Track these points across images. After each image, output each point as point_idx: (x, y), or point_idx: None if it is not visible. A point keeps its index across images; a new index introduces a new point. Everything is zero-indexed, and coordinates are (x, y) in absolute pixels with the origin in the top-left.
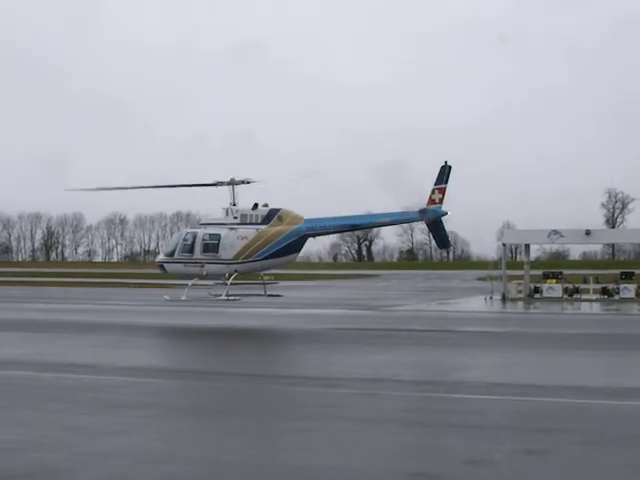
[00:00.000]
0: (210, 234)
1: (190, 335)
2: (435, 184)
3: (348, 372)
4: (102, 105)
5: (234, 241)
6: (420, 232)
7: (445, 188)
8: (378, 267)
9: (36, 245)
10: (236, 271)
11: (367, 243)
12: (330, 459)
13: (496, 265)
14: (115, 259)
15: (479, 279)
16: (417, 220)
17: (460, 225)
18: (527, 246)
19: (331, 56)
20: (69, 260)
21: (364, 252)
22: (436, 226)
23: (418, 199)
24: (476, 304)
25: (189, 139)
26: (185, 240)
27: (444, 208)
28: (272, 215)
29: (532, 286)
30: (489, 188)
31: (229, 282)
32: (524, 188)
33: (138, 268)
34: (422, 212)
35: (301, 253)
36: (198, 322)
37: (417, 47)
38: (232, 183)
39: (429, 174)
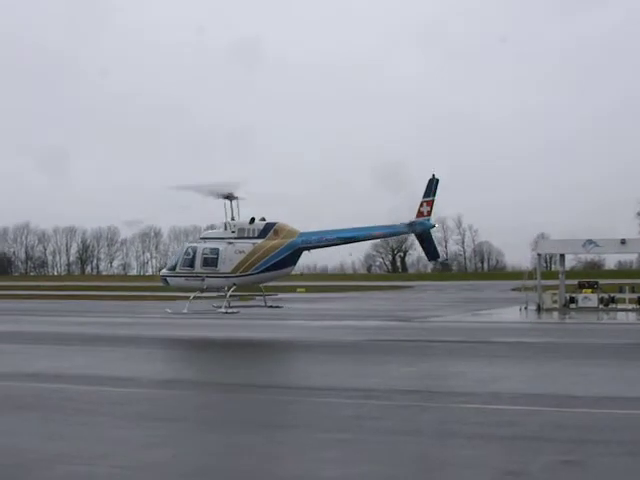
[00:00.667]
0: (210, 248)
1: (221, 348)
2: (423, 197)
3: (383, 383)
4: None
5: (232, 255)
6: (454, 243)
7: (433, 201)
8: (412, 278)
9: (71, 259)
10: (235, 284)
11: (401, 254)
12: (366, 470)
13: (531, 275)
14: (150, 272)
15: (514, 289)
16: (406, 233)
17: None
18: (562, 256)
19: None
20: (104, 273)
21: (398, 263)
22: (425, 238)
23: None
24: (511, 314)
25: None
26: (186, 254)
27: (432, 220)
28: (268, 229)
29: (567, 296)
30: (524, 199)
31: (228, 295)
32: (559, 198)
33: None
34: (410, 225)
35: (336, 264)
36: (226, 334)
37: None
38: (230, 197)
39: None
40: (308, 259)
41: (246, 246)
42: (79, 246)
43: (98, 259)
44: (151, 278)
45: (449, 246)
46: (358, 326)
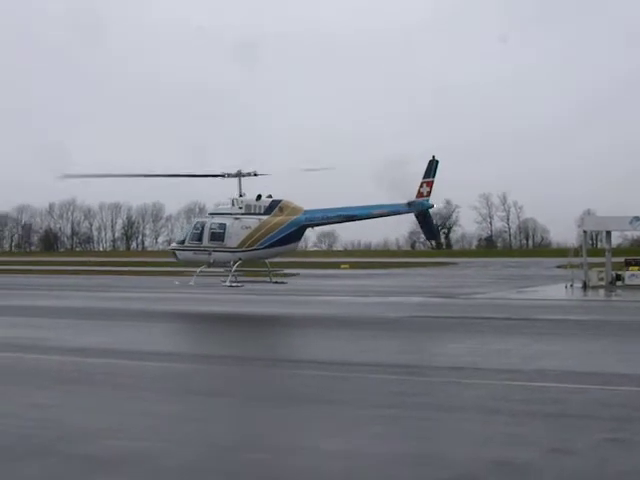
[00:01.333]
0: (217, 223)
1: (261, 324)
2: (423, 178)
3: (428, 360)
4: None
5: (238, 230)
6: (499, 220)
7: (432, 182)
8: (456, 255)
9: (116, 235)
10: (240, 259)
11: (445, 230)
12: (413, 447)
13: (576, 252)
14: None
15: (559, 267)
16: (406, 212)
17: (540, 212)
18: (608, 233)
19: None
20: (149, 249)
21: (442, 240)
22: (424, 218)
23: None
24: (556, 292)
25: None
26: (195, 229)
27: (431, 201)
28: (274, 206)
29: (614, 273)
30: (570, 175)
31: (233, 269)
32: (605, 175)
33: None
34: (410, 204)
35: (379, 240)
36: (266, 310)
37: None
38: (239, 175)
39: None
40: (352, 235)
41: (252, 222)
42: (124, 222)
43: (143, 235)
44: None
45: (494, 223)
46: (402, 302)
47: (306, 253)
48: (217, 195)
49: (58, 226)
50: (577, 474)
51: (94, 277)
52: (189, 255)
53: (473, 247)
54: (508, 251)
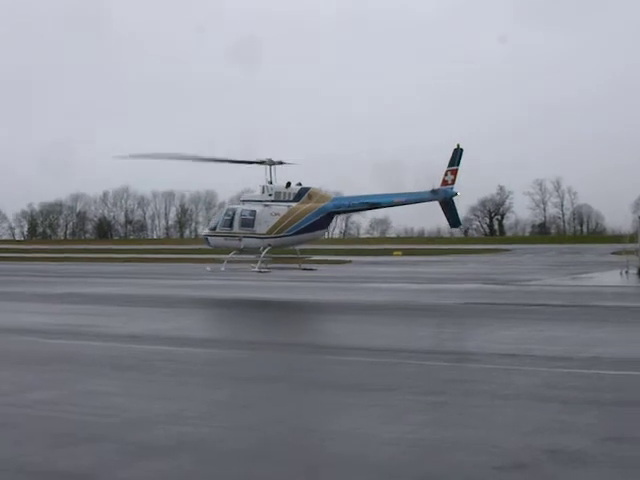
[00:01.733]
0: (248, 210)
1: (313, 310)
2: (448, 166)
3: (480, 347)
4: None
5: (268, 217)
6: (553, 206)
7: (457, 170)
8: (510, 241)
9: (170, 222)
10: (269, 245)
11: (499, 217)
12: (465, 434)
13: (632, 239)
14: None
15: (614, 253)
16: (430, 200)
17: (595, 198)
18: None
19: None
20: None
21: (496, 226)
22: (447, 206)
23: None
24: (611, 278)
25: None
26: (226, 215)
27: (455, 188)
28: (302, 193)
29: None
30: (625, 161)
31: (262, 255)
32: None
33: None
34: (434, 192)
35: (432, 227)
36: (323, 297)
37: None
38: (269, 163)
39: None
40: (405, 222)
41: (281, 209)
42: (177, 210)
43: (196, 222)
44: None
45: (547, 209)
46: (455, 289)
47: (358, 240)
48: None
49: (112, 214)
50: (634, 463)
51: (139, 264)
52: (220, 241)
53: (526, 234)
54: (562, 237)
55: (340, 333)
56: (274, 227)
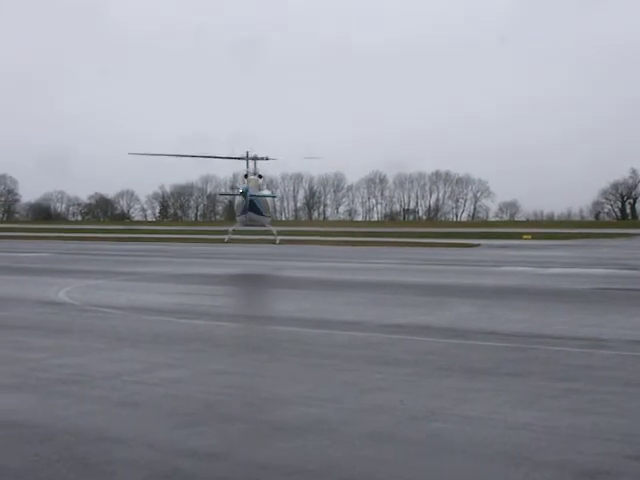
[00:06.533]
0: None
1: (441, 292)
2: None
3: (613, 333)
4: None
5: None
6: None
7: None
8: None
9: (298, 205)
10: None
11: (631, 201)
12: (598, 421)
13: None
14: (375, 218)
15: None
16: None
17: None
18: None
19: None
20: (330, 219)
21: (628, 210)
22: None
23: None
24: None
25: None
26: None
27: None
28: None
29: None
30: None
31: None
32: None
33: (398, 227)
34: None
35: (562, 211)
36: (451, 280)
37: None
38: (254, 158)
39: None
40: (534, 205)
41: None
42: (306, 192)
43: (324, 205)
44: (380, 224)
45: None
46: (585, 274)
47: (487, 224)
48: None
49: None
50: None
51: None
52: None
53: None
54: None
55: (471, 318)
56: None
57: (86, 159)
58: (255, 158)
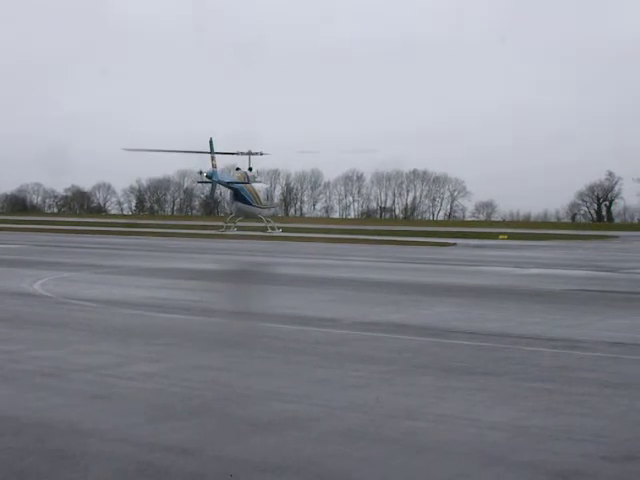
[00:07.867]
0: None
1: (425, 292)
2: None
3: (588, 334)
4: None
5: None
6: None
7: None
8: (618, 228)
9: (275, 201)
10: None
11: (607, 203)
12: (572, 422)
13: None
14: (352, 215)
15: None
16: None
17: None
18: None
19: None
20: (307, 216)
21: (604, 212)
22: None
23: None
24: None
25: None
26: None
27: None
28: None
29: None
30: None
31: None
32: None
33: (374, 225)
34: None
35: (539, 212)
36: (428, 279)
37: None
38: (249, 153)
39: None
40: (511, 206)
41: None
42: (283, 189)
43: (301, 202)
44: (353, 221)
45: None
46: (561, 275)
47: (464, 223)
48: (374, 164)
49: (219, 191)
50: None
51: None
52: None
53: (635, 221)
54: None
55: (447, 317)
56: None
57: (78, 154)
58: (250, 153)
